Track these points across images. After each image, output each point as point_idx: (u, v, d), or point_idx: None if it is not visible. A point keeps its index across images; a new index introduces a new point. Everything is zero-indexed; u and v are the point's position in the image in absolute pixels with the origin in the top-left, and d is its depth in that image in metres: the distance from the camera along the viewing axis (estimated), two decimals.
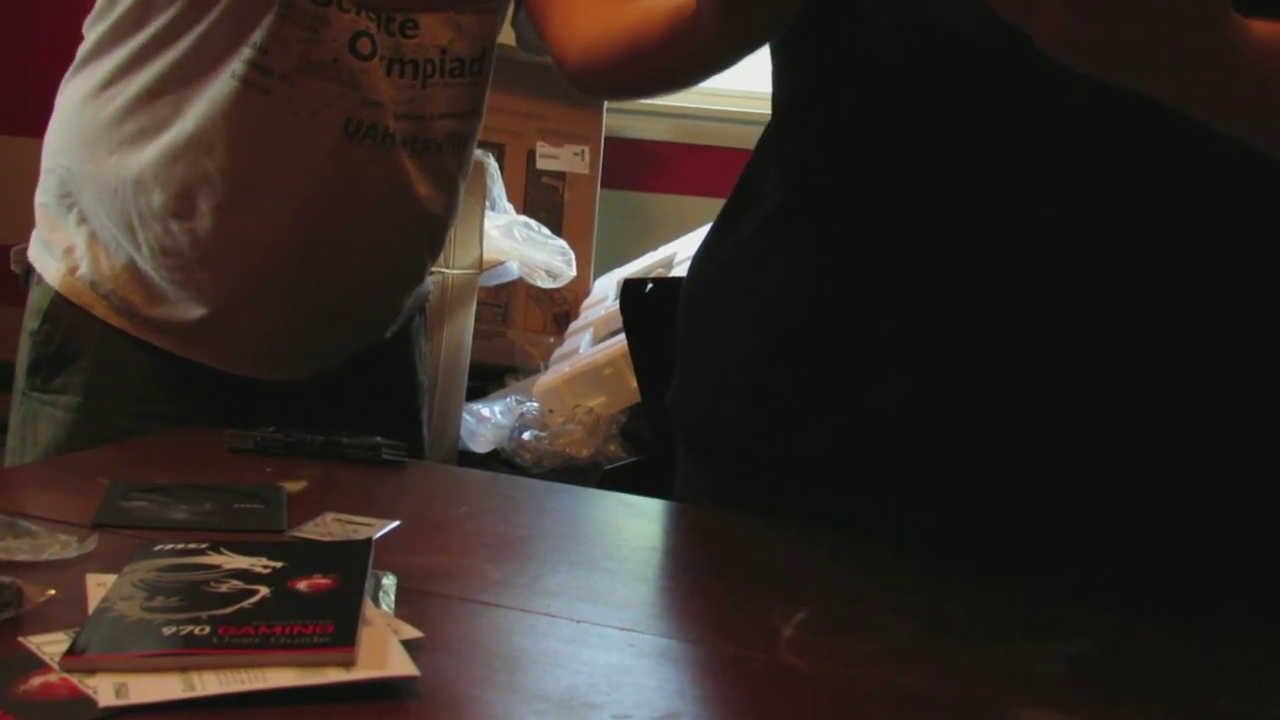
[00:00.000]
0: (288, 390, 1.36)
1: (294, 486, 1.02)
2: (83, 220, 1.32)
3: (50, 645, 0.67)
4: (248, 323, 1.31)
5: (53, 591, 0.74)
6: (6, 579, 0.73)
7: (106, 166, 1.28)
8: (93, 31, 1.31)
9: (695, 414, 1.07)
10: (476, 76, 1.32)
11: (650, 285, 1.93)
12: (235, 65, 1.22)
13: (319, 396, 1.37)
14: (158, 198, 1.26)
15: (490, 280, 2.42)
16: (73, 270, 1.32)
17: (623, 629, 0.77)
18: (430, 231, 1.37)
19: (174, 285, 1.28)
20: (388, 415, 1.41)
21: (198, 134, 1.24)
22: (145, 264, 1.29)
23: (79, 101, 1.31)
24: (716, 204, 1.14)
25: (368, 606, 0.72)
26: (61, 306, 1.32)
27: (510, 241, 2.45)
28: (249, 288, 1.28)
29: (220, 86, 1.23)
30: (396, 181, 1.29)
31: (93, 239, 1.31)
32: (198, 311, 1.29)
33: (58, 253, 1.33)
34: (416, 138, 1.29)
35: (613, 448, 2.24)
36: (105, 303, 1.31)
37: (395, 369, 1.46)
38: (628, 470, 2.15)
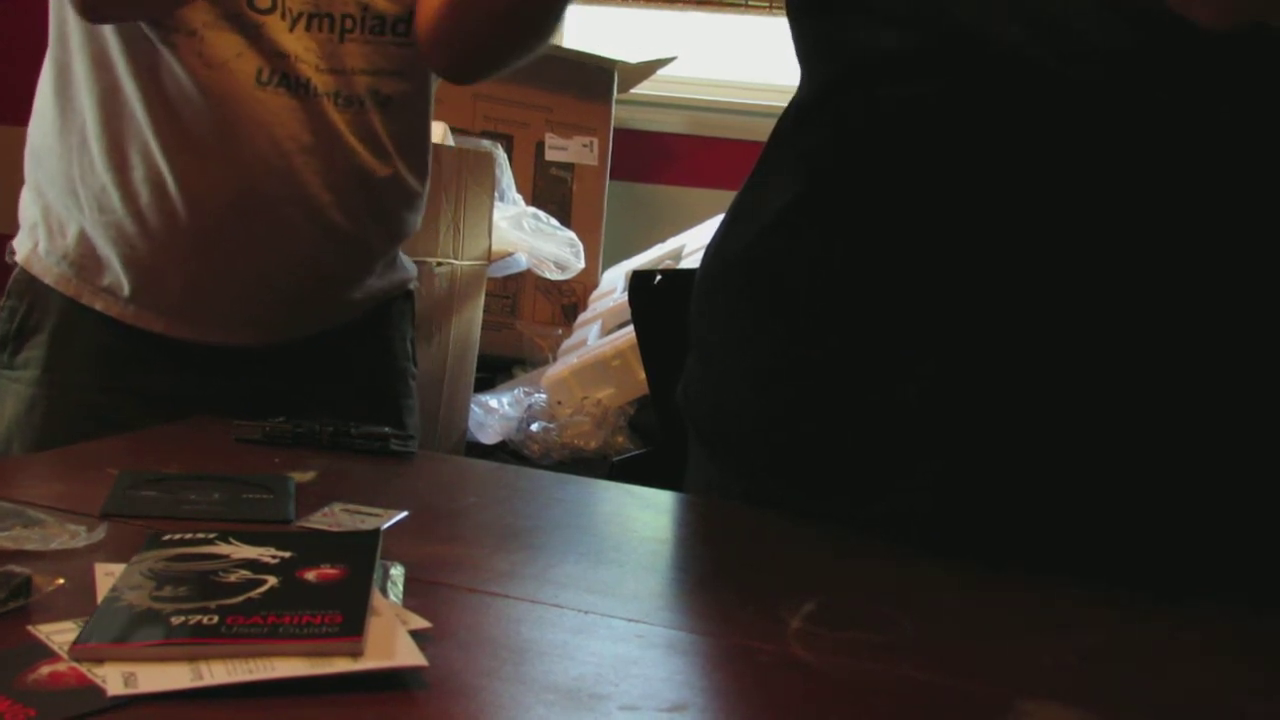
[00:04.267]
0: (248, 364, 1.36)
1: (302, 477, 1.02)
2: (40, 192, 1.35)
3: (59, 634, 0.67)
4: (182, 280, 1.31)
5: (61, 581, 0.74)
6: (15, 568, 0.73)
7: (56, 134, 1.32)
8: None
9: (705, 406, 1.07)
10: (402, 37, 1.31)
11: (659, 277, 1.93)
12: (145, 26, 1.24)
13: (284, 374, 1.38)
14: (96, 151, 1.29)
15: (498, 272, 2.42)
16: (35, 246, 1.35)
17: (630, 620, 0.77)
18: (370, 195, 1.35)
19: (110, 244, 1.30)
20: (363, 398, 1.42)
21: (122, 89, 1.26)
22: (90, 228, 1.31)
23: (45, 77, 1.35)
24: (726, 196, 1.13)
25: (376, 597, 0.72)
26: (25, 282, 1.35)
27: (518, 233, 2.45)
28: (179, 241, 1.29)
29: (135, 43, 1.25)
30: (323, 134, 1.29)
31: (47, 211, 1.34)
32: (135, 272, 1.31)
33: (27, 229, 1.37)
34: (339, 92, 1.30)
35: (620, 439, 2.25)
36: (56, 270, 1.33)
37: (370, 353, 1.45)
38: (636, 462, 2.15)
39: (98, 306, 1.32)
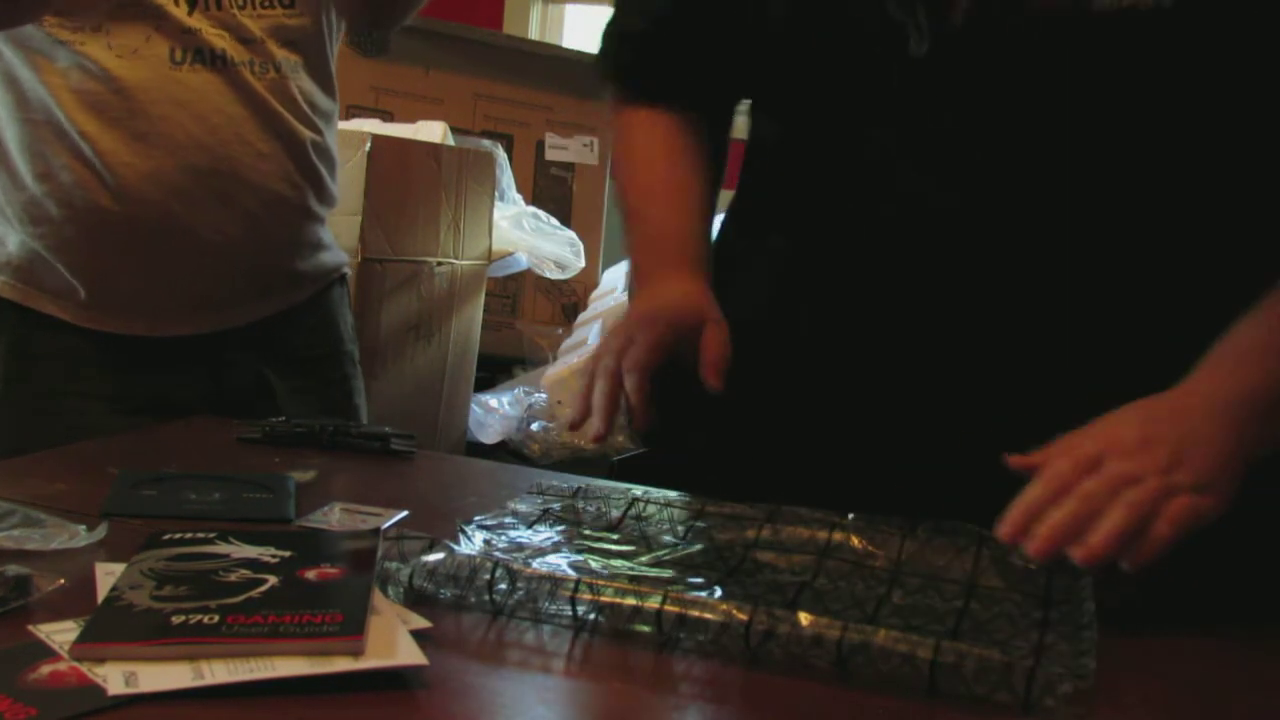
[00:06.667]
0: (207, 356, 1.36)
1: (302, 477, 1.02)
2: None
3: (59, 634, 0.67)
4: (133, 276, 1.32)
5: (62, 580, 0.74)
6: (16, 567, 0.73)
7: None
8: None
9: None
10: (289, 9, 1.34)
11: None
12: (46, 29, 1.25)
13: (241, 363, 1.38)
14: (18, 164, 1.29)
15: (498, 271, 2.42)
16: None
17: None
18: (301, 157, 1.37)
19: (52, 252, 1.30)
20: (314, 379, 1.43)
21: (34, 97, 1.27)
22: (29, 240, 1.31)
23: None
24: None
25: (376, 596, 0.72)
26: None
27: (519, 232, 2.45)
28: (122, 236, 1.29)
29: (43, 50, 1.26)
30: (248, 103, 1.31)
31: None
32: (84, 276, 1.31)
33: None
34: (254, 60, 1.32)
35: (620, 439, 2.24)
36: (0, 279, 1.33)
37: (319, 337, 1.47)
38: (636, 461, 2.15)
39: (49, 311, 1.32)
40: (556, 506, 0.94)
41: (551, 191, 2.84)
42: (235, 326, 1.37)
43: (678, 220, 1.10)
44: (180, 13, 1.27)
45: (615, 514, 0.93)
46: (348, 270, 1.52)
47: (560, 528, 0.89)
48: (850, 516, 0.90)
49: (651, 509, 0.94)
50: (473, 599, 0.76)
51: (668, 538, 0.89)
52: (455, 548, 0.79)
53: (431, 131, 2.34)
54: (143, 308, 1.33)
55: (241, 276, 1.36)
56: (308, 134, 1.36)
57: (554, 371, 2.40)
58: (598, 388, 0.98)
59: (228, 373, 1.37)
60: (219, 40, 1.29)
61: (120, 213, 1.28)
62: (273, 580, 0.73)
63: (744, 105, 1.13)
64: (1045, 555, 0.77)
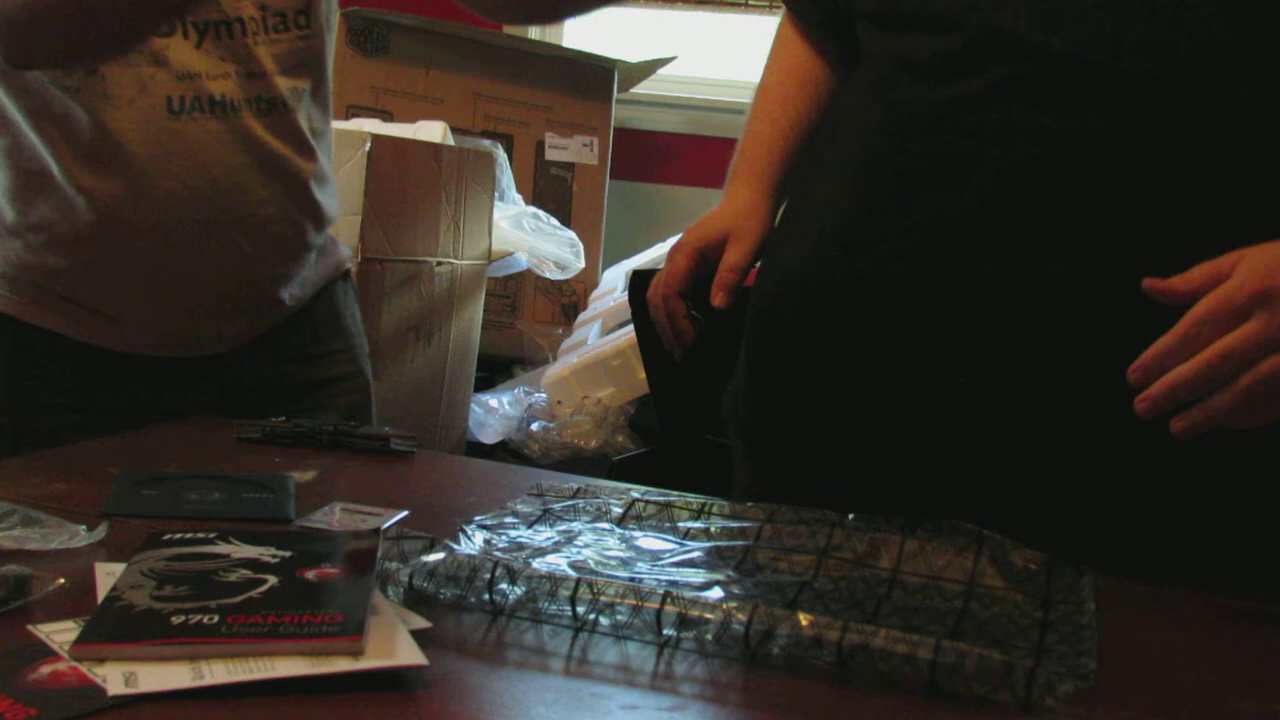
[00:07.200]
0: (208, 371, 1.35)
1: (302, 477, 1.02)
2: None
3: (59, 634, 0.67)
4: (128, 313, 1.29)
5: (62, 580, 0.74)
6: (16, 567, 0.73)
7: None
8: None
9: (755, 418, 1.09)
10: (304, 30, 1.30)
11: None
12: (36, 71, 1.21)
13: (245, 375, 1.36)
14: (9, 215, 1.26)
15: (498, 271, 2.42)
16: None
17: None
18: (302, 194, 1.33)
19: (50, 291, 1.28)
20: (326, 375, 1.42)
21: (25, 142, 1.24)
22: (22, 268, 1.28)
23: None
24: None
25: (376, 596, 0.72)
26: None
27: (519, 232, 2.45)
28: (117, 284, 1.27)
29: (31, 92, 1.22)
30: (252, 150, 1.27)
31: None
32: (77, 306, 1.28)
33: None
34: (260, 97, 1.27)
35: (620, 439, 2.25)
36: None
37: (325, 334, 1.44)
38: (636, 461, 2.15)
39: (43, 324, 1.29)
40: (556, 506, 0.94)
41: (551, 191, 2.84)
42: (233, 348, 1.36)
43: (765, 130, 1.17)
44: (188, 46, 1.23)
45: (615, 514, 0.93)
46: (350, 267, 1.51)
47: (560, 527, 0.89)
48: (850, 516, 0.90)
49: (651, 509, 0.94)
50: (473, 599, 0.76)
51: (668, 537, 0.89)
52: (455, 548, 0.79)
53: (431, 131, 2.34)
54: (139, 339, 1.31)
55: (238, 314, 1.34)
56: (309, 167, 1.32)
57: (554, 371, 2.40)
58: (660, 317, 1.12)
59: (229, 383, 1.35)
60: (221, 84, 1.24)
61: (116, 261, 1.25)
62: (273, 580, 0.73)
63: None
64: (1152, 415, 0.77)
